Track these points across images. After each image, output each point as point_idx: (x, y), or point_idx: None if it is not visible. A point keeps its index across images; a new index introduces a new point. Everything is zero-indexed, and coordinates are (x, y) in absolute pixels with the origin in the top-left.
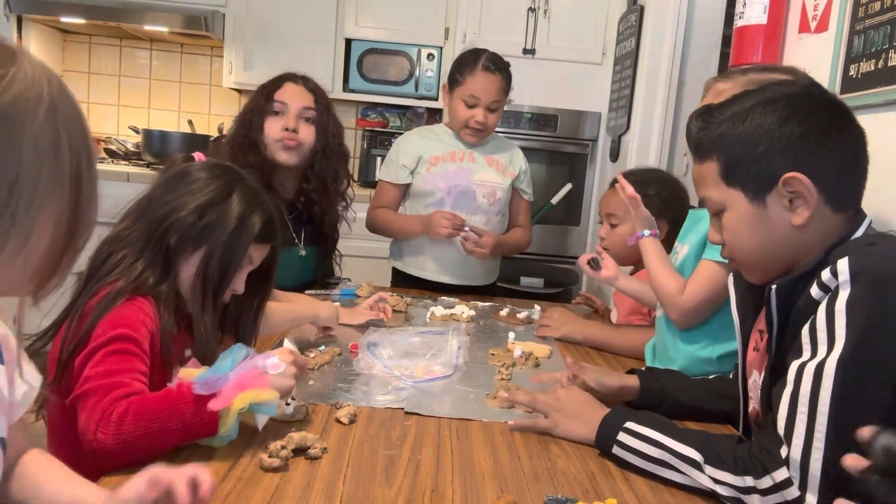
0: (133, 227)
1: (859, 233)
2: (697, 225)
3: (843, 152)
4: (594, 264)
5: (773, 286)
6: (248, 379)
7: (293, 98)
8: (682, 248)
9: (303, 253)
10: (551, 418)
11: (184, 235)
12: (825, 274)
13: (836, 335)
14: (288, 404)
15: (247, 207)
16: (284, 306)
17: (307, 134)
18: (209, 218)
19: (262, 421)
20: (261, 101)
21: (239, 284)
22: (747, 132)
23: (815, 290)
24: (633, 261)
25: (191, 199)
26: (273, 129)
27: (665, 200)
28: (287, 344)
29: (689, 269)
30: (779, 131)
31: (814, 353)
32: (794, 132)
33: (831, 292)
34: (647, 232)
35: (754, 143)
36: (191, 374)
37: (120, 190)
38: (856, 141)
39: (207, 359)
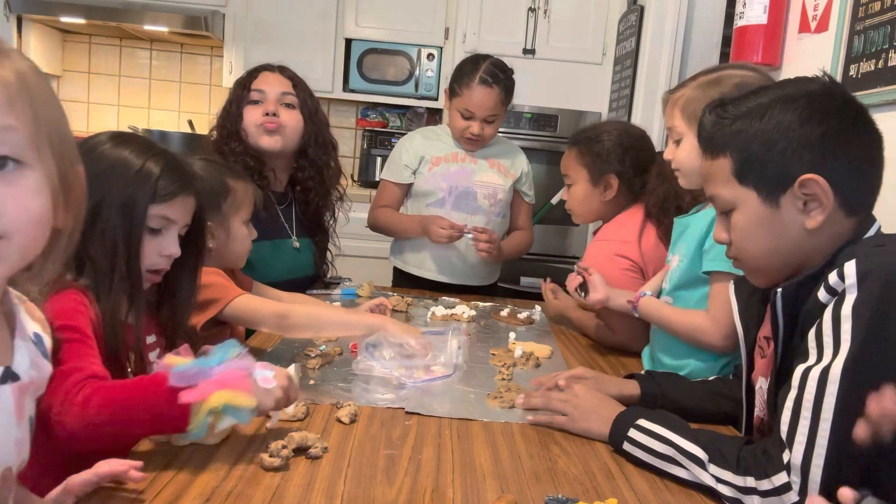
0: None
1: (869, 235)
2: (685, 233)
3: (860, 155)
4: (582, 290)
5: (779, 289)
6: (231, 379)
7: (270, 85)
8: (674, 259)
9: (296, 245)
10: (569, 416)
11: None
12: (832, 277)
13: (842, 340)
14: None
15: (137, 160)
16: (333, 312)
17: (289, 118)
18: (97, 195)
19: (222, 426)
20: (238, 92)
21: (170, 246)
22: (765, 130)
23: (822, 294)
24: (598, 216)
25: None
26: (252, 115)
27: (610, 152)
28: (292, 370)
29: (682, 279)
30: (799, 130)
31: (819, 358)
32: (814, 132)
33: (838, 295)
34: (648, 292)
35: (772, 141)
36: (175, 361)
37: None
38: (874, 144)
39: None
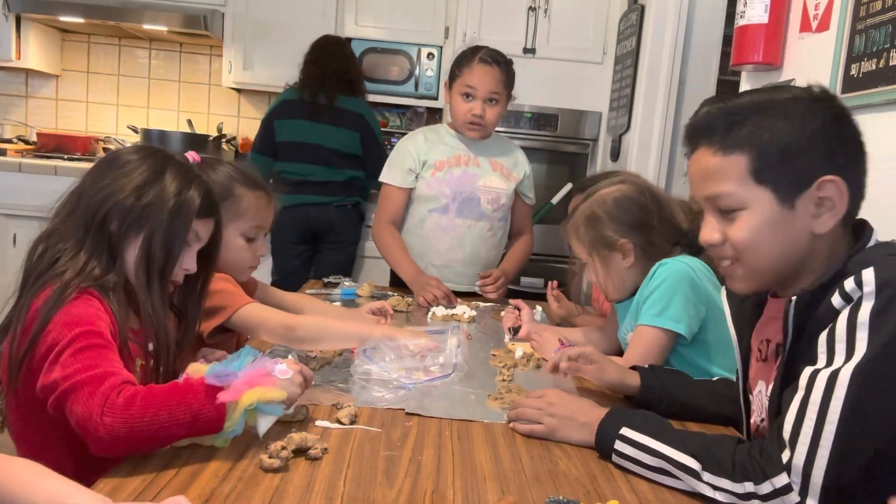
0: (68, 219)
1: (871, 244)
2: (629, 309)
3: (862, 163)
4: (512, 331)
5: (794, 298)
6: (257, 377)
7: None
8: (630, 337)
9: None
10: (546, 424)
11: (125, 218)
12: (848, 283)
13: (857, 346)
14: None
15: (183, 183)
16: (341, 324)
17: None
18: (148, 197)
19: (264, 426)
20: None
21: (190, 262)
22: (787, 129)
23: (836, 299)
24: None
25: (126, 180)
26: None
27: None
28: (291, 357)
29: None
30: (821, 131)
31: (829, 362)
32: (835, 135)
33: (854, 302)
34: (573, 344)
35: (794, 140)
36: (199, 369)
37: None
38: (865, 155)
39: (162, 343)
